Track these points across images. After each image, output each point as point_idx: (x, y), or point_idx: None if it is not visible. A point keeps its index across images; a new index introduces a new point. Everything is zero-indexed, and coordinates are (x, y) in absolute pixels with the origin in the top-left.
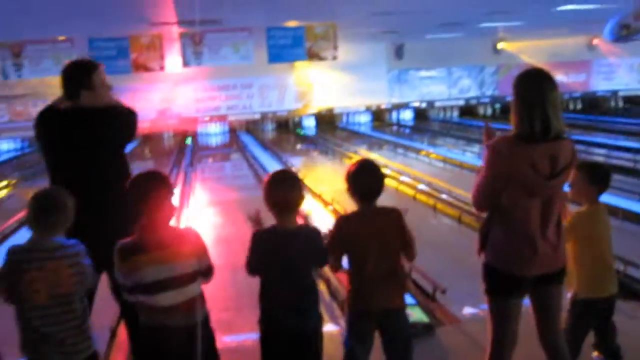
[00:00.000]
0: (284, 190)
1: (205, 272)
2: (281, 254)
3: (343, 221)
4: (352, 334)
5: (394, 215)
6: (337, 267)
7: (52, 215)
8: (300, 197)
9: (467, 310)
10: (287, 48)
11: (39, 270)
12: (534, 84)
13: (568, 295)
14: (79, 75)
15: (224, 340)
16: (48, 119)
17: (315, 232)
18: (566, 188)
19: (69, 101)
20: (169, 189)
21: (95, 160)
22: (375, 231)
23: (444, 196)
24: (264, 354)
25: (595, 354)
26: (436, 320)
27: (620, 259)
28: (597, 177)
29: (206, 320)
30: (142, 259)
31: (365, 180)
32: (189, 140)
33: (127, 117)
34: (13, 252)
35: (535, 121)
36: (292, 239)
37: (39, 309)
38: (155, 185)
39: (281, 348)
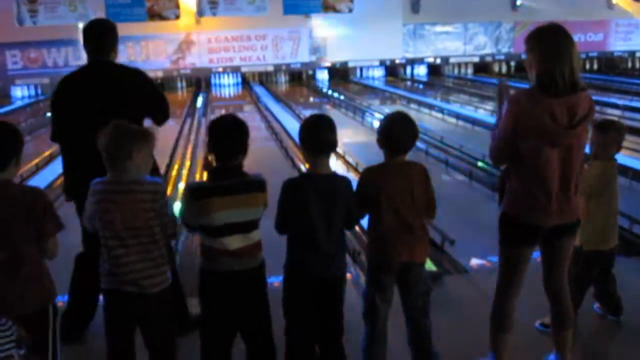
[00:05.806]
0: (320, 132)
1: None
2: (316, 197)
3: (367, 171)
4: (372, 286)
5: (419, 169)
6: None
7: (129, 151)
8: (335, 141)
9: (474, 262)
10: None
11: (113, 202)
12: (558, 39)
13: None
14: (116, 33)
15: None
16: (77, 81)
17: (348, 180)
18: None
19: (102, 57)
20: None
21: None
22: (400, 183)
23: (455, 152)
24: (288, 298)
25: (596, 304)
26: (444, 269)
27: (627, 216)
28: (612, 134)
29: (263, 265)
30: (217, 202)
31: (398, 134)
32: (201, 94)
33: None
34: (95, 184)
35: (565, 75)
36: (327, 184)
37: (115, 238)
38: (236, 128)
39: (307, 293)
